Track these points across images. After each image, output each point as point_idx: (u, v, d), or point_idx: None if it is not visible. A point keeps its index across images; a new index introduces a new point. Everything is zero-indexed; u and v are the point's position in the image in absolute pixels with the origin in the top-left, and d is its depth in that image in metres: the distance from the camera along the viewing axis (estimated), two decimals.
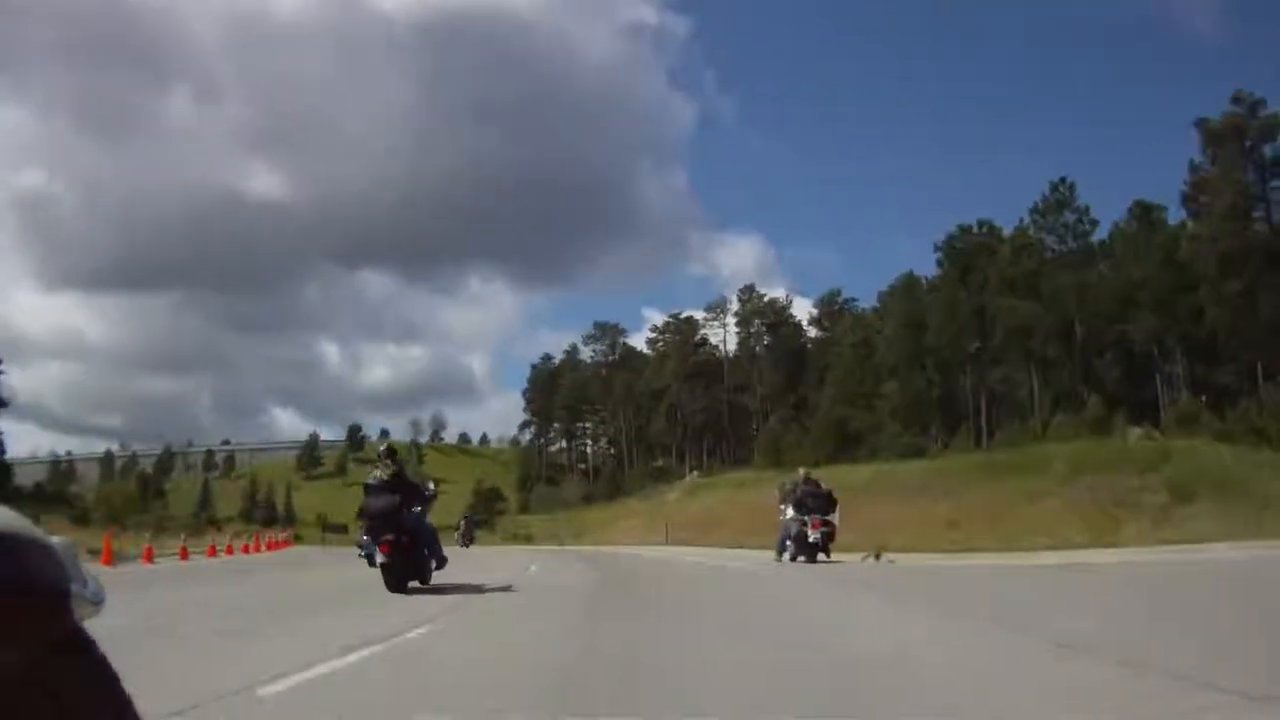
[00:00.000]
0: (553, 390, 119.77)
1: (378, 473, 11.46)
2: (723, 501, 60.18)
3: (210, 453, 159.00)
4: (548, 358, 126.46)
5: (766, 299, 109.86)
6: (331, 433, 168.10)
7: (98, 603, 0.94)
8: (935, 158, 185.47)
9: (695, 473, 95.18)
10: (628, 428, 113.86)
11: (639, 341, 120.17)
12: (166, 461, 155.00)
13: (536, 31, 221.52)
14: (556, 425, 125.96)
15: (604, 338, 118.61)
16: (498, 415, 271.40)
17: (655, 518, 66.64)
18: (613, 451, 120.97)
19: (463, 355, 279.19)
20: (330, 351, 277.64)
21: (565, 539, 63.22)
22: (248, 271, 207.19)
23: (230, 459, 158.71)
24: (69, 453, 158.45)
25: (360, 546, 11.62)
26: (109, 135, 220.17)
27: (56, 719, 0.88)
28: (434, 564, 11.74)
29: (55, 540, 0.89)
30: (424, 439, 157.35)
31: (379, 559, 10.88)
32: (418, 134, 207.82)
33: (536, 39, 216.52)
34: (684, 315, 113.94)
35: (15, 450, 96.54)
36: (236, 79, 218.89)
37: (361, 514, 11.40)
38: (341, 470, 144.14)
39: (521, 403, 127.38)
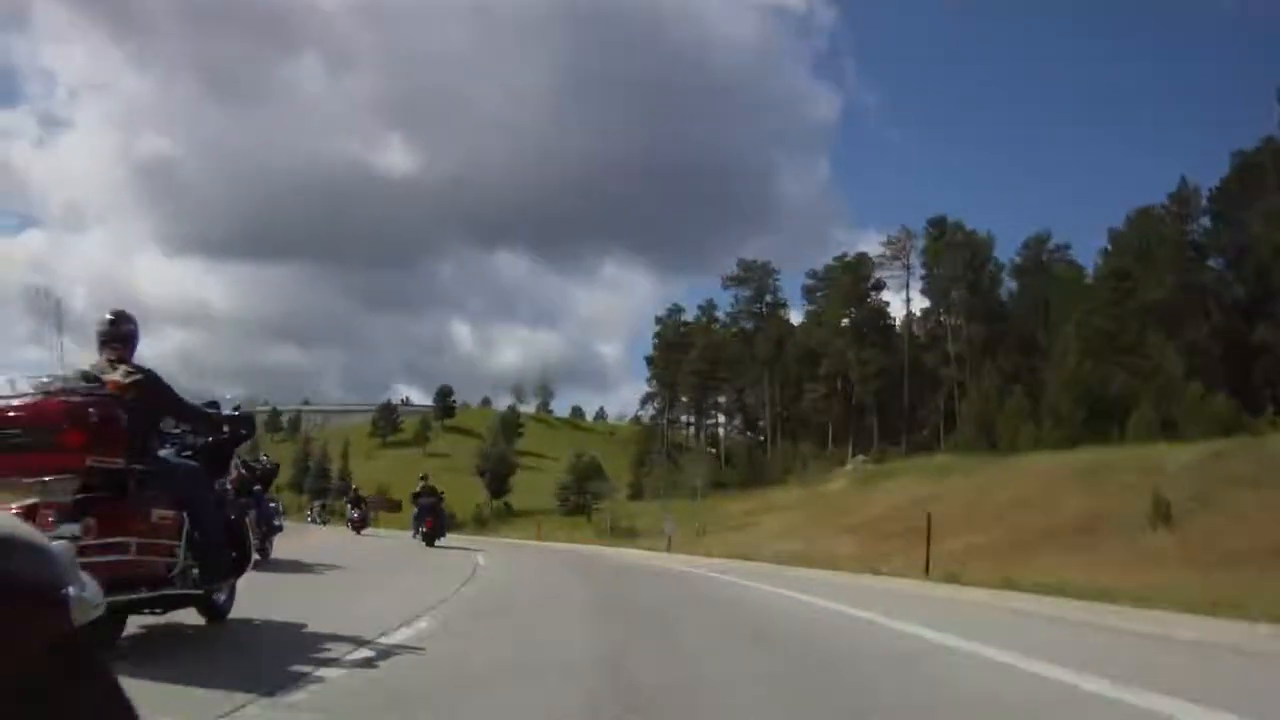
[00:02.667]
0: (681, 352, 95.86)
1: None
2: (917, 493, 42.28)
3: (275, 411, 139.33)
4: (676, 310, 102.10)
5: (965, 233, 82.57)
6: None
7: (95, 606, 0.94)
8: (1091, 151, 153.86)
9: (861, 456, 74.23)
10: (774, 400, 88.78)
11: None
12: None
13: (679, 11, 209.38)
14: (684, 399, 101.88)
15: (749, 280, 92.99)
16: (625, 402, 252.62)
17: (814, 514, 50.06)
18: (748, 433, 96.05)
19: (595, 342, 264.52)
20: (461, 331, 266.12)
21: (676, 537, 39.43)
22: (379, 246, 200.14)
23: (296, 420, 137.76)
24: None
25: None
26: (237, 103, 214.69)
27: None
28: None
29: (53, 544, 0.89)
30: (527, 407, 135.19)
31: None
32: (555, 114, 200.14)
33: (679, 19, 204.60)
34: (852, 255, 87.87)
35: None
36: (370, 49, 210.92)
37: None
38: (423, 439, 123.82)
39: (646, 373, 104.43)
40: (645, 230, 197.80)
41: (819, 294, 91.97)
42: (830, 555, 25.70)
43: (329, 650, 4.89)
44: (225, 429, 5.66)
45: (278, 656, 4.74)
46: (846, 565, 20.82)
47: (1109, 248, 71.33)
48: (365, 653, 4.93)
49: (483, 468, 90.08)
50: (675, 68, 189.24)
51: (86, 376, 4.75)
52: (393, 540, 26.89)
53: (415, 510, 24.54)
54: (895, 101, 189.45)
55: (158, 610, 5.08)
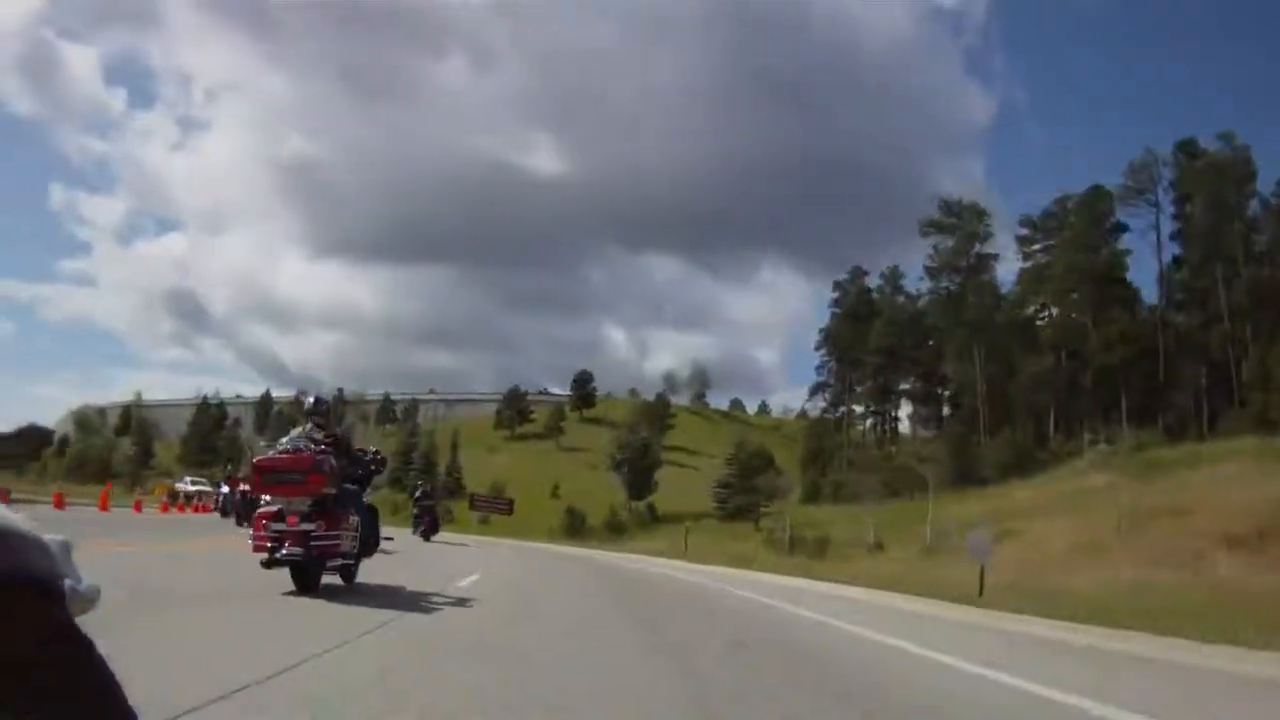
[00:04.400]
0: (865, 325, 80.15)
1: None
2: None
3: (388, 400, 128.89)
4: (857, 273, 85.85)
5: (1228, 152, 63.74)
6: None
7: (92, 599, 0.95)
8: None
9: (1104, 443, 57.75)
10: (982, 380, 71.87)
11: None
12: (338, 408, 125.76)
13: (828, 8, 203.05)
14: (859, 389, 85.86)
15: (952, 226, 75.28)
16: (782, 409, 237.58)
17: (1094, 518, 32.95)
18: (944, 419, 79.23)
19: (750, 346, 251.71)
20: (613, 335, 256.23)
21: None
22: (526, 248, 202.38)
23: (412, 410, 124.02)
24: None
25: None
26: (381, 103, 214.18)
27: (51, 716, 0.87)
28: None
29: (49, 536, 0.90)
30: (680, 398, 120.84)
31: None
32: (705, 114, 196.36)
33: (828, 16, 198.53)
34: (1084, 192, 70.06)
35: None
36: (514, 48, 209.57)
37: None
38: (555, 430, 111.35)
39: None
40: (798, 232, 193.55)
41: (1035, 247, 74.68)
42: None
43: None
44: (373, 466, 9.93)
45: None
46: None
47: None
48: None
49: (619, 459, 75.90)
50: (828, 66, 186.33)
51: (312, 438, 8.76)
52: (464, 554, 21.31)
53: (414, 511, 30.87)
54: (1046, 99, 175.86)
55: (337, 570, 8.78)
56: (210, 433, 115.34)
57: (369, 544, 9.28)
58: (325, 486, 8.00)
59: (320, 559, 8.02)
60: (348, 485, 8.76)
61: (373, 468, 9.89)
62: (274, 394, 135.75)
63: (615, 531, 67.44)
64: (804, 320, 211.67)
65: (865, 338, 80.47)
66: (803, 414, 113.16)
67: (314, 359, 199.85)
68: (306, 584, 7.97)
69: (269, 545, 7.79)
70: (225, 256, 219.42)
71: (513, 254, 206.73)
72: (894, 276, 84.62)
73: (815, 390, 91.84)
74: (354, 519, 8.56)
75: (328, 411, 9.22)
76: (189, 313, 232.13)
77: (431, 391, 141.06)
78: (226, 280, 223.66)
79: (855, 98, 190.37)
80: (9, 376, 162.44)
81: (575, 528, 69.07)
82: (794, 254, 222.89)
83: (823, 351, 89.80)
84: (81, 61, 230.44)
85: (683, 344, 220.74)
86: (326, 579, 8.38)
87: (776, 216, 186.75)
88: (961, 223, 73.43)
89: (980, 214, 73.85)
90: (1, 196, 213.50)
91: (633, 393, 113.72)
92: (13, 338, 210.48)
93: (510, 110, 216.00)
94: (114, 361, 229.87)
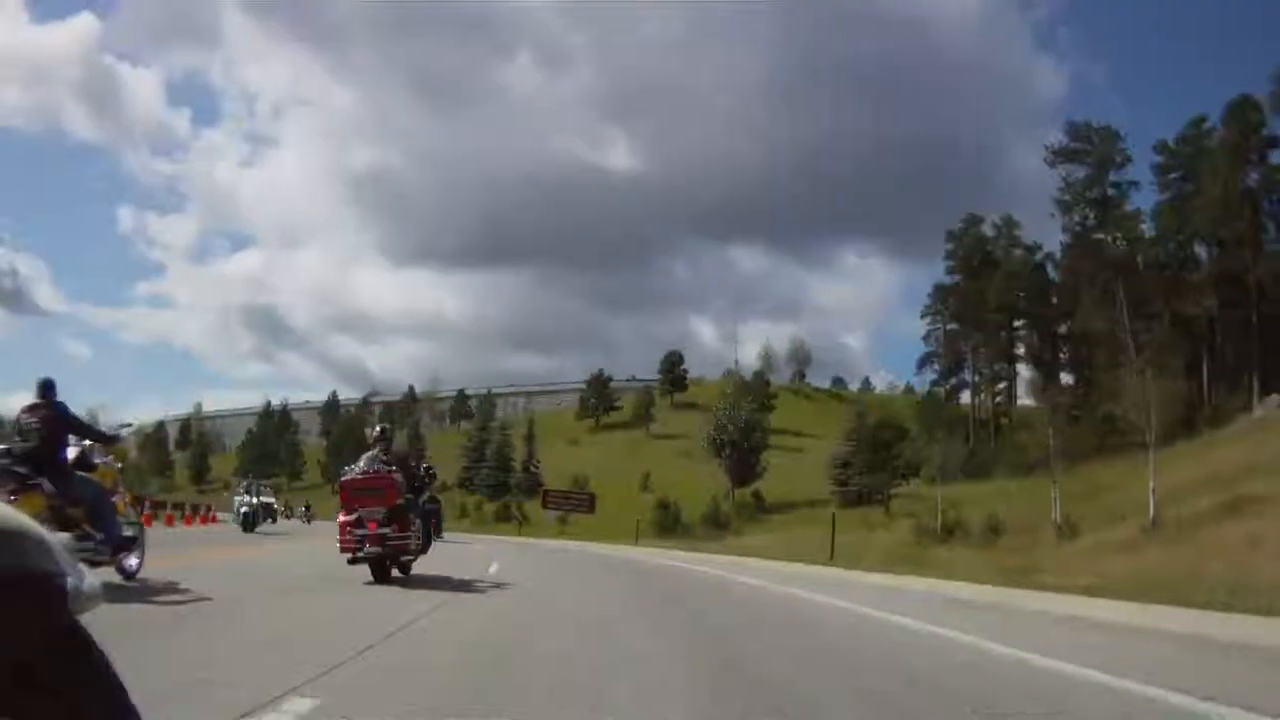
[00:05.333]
0: (983, 279, 71.51)
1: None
2: None
3: (462, 395, 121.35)
4: (974, 220, 76.59)
5: None
6: None
7: (94, 597, 0.94)
8: None
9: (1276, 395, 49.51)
10: (1126, 327, 62.44)
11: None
12: (407, 407, 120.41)
13: None
14: (976, 351, 77.19)
15: (1084, 153, 65.34)
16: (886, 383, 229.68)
17: None
18: (1076, 378, 69.81)
19: (839, 333, 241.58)
20: (702, 329, 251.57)
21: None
22: (609, 246, 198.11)
23: (488, 403, 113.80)
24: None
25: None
26: (450, 108, 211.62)
27: (53, 716, 0.87)
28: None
29: (51, 535, 0.90)
30: (780, 376, 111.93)
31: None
32: (781, 100, 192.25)
33: None
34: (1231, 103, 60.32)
35: None
36: (582, 44, 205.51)
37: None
38: (644, 418, 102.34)
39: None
40: (882, 217, 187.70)
41: (1172, 175, 65.02)
42: None
43: None
44: (425, 479, 12.96)
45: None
46: None
47: None
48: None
49: (720, 441, 67.72)
50: (899, 47, 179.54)
51: (382, 459, 10.70)
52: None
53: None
54: (1120, 73, 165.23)
55: (403, 564, 10.91)
56: (269, 439, 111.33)
57: (425, 544, 11.79)
58: (397, 499, 10.15)
59: (395, 554, 10.26)
60: (408, 495, 10.85)
61: (426, 480, 13.04)
62: (341, 397, 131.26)
63: (716, 526, 59.72)
64: (889, 304, 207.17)
65: (983, 296, 71.77)
66: (909, 389, 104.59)
67: (400, 367, 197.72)
68: (383, 575, 10.12)
69: (354, 546, 9.96)
70: (303, 270, 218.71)
71: (594, 252, 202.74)
72: (1010, 225, 75.61)
73: (924, 361, 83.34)
74: (417, 522, 10.85)
75: (391, 436, 11.75)
76: (269, 328, 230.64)
77: (510, 386, 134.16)
78: (306, 293, 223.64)
79: (930, 78, 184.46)
80: (90, 401, 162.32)
81: (668, 524, 60.65)
82: (876, 237, 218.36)
83: (929, 319, 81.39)
84: (142, 84, 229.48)
85: (772, 334, 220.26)
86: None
87: (859, 202, 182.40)
88: (1093, 148, 63.90)
89: (1112, 137, 64.23)
90: (70, 223, 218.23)
91: (729, 372, 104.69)
92: (92, 363, 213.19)
93: (583, 108, 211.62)
94: (195, 381, 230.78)
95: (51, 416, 7.63)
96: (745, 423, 68.23)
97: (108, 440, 8.81)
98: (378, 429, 11.87)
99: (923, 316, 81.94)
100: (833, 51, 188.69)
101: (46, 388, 7.76)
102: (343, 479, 10.67)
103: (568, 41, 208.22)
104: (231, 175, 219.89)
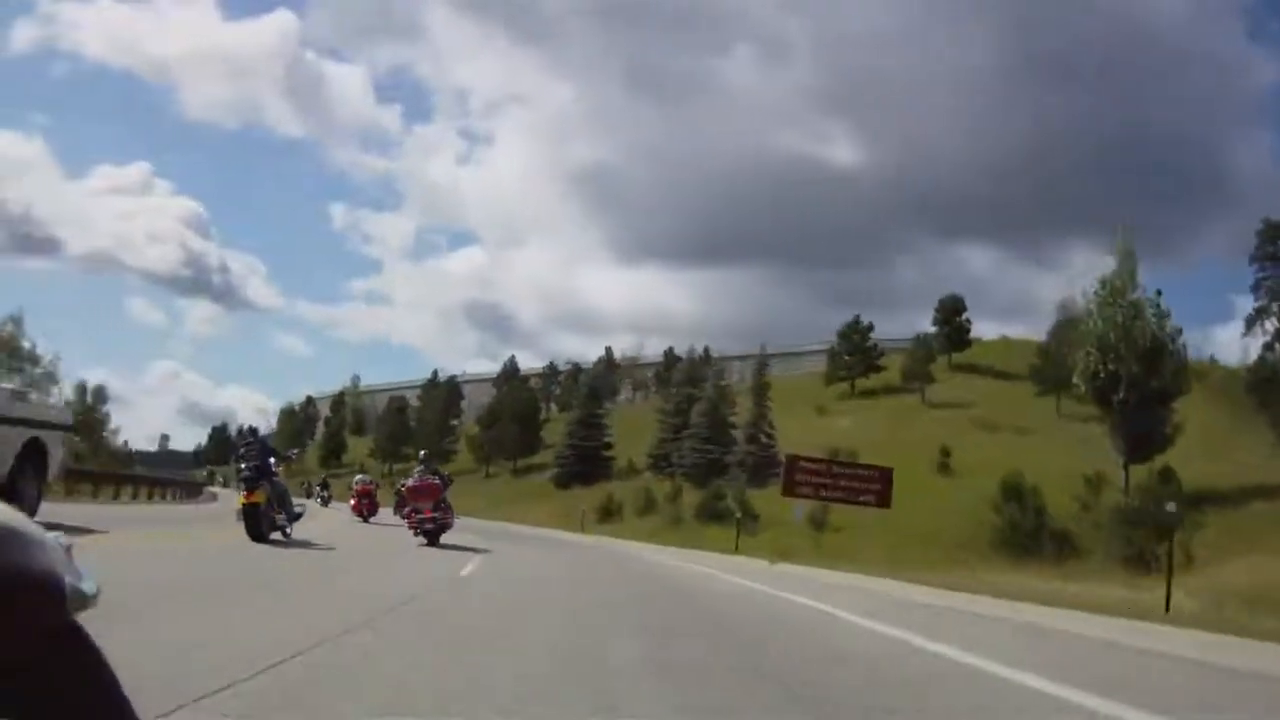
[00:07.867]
0: None
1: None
2: None
3: (671, 356, 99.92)
4: None
5: None
6: None
7: (92, 597, 0.95)
8: None
9: None
10: None
11: None
12: (601, 375, 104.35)
13: None
14: None
15: None
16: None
17: None
18: None
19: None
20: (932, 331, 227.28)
21: None
22: (834, 241, 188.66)
23: (701, 366, 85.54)
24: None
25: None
26: (670, 103, 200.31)
27: (52, 716, 0.87)
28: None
29: (49, 535, 0.91)
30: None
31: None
32: (1003, 93, 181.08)
33: None
34: None
35: None
36: (802, 36, 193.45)
37: None
38: (919, 377, 73.81)
39: None
40: (1107, 213, 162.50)
41: None
42: None
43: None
44: (450, 483, 19.24)
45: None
46: None
47: None
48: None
49: (1102, 372, 39.30)
50: (1120, 39, 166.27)
51: (431, 471, 18.53)
52: None
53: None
54: None
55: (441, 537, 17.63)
56: (426, 415, 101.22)
57: (451, 524, 18.06)
58: (440, 496, 17.21)
59: (442, 528, 17.22)
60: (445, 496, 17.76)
61: (450, 483, 18.78)
62: (520, 365, 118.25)
63: (1128, 542, 31.93)
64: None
65: None
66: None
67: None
68: (433, 542, 16.77)
69: (416, 525, 17.20)
70: (528, 267, 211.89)
71: (820, 249, 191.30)
72: None
73: (1253, 319, 58.68)
74: (452, 509, 17.92)
75: (428, 459, 19.15)
76: (494, 324, 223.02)
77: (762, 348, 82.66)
78: (531, 290, 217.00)
79: (1149, 70, 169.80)
80: (308, 389, 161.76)
81: (1028, 531, 36.69)
82: (1105, 234, 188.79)
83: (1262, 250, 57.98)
84: (348, 80, 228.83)
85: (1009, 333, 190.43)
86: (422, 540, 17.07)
87: (1084, 199, 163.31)
88: None
89: None
90: (281, 220, 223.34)
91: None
92: (310, 359, 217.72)
93: (804, 101, 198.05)
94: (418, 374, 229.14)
95: (260, 447, 13.92)
96: (1152, 342, 38.37)
97: (284, 459, 15.65)
98: (421, 452, 20.62)
99: (1252, 262, 59.05)
100: (1053, 43, 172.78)
101: (252, 432, 16.61)
102: (405, 485, 19.69)
103: (786, 34, 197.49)
104: (447, 172, 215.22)
